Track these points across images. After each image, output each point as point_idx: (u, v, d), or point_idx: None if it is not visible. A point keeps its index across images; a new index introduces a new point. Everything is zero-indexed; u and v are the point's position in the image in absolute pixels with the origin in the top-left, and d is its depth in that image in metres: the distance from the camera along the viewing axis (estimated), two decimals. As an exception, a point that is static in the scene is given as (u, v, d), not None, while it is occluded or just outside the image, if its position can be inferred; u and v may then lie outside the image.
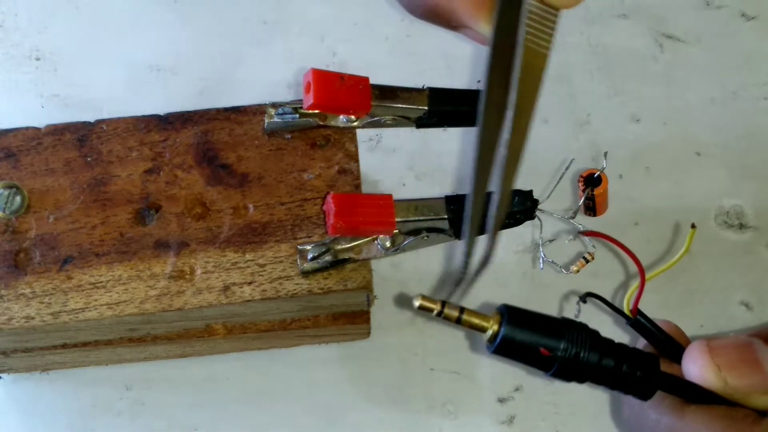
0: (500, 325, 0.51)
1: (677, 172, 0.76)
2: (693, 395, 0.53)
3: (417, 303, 0.50)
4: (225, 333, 0.65)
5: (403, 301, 0.73)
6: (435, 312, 0.50)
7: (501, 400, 0.71)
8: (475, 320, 0.51)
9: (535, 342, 0.51)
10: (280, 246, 0.61)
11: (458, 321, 0.51)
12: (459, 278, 0.52)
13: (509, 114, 0.51)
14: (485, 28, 0.52)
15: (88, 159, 0.63)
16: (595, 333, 0.52)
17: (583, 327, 0.52)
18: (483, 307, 0.73)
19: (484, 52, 0.52)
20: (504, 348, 0.51)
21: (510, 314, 0.51)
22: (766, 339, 0.54)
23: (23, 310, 0.60)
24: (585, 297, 0.56)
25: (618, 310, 0.57)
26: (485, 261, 0.51)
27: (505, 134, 0.51)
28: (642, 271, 0.57)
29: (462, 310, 0.51)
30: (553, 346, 0.51)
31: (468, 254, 0.52)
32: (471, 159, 0.51)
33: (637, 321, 0.56)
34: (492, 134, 0.51)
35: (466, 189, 0.52)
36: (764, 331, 0.55)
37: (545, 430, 0.71)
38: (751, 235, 0.74)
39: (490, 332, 0.51)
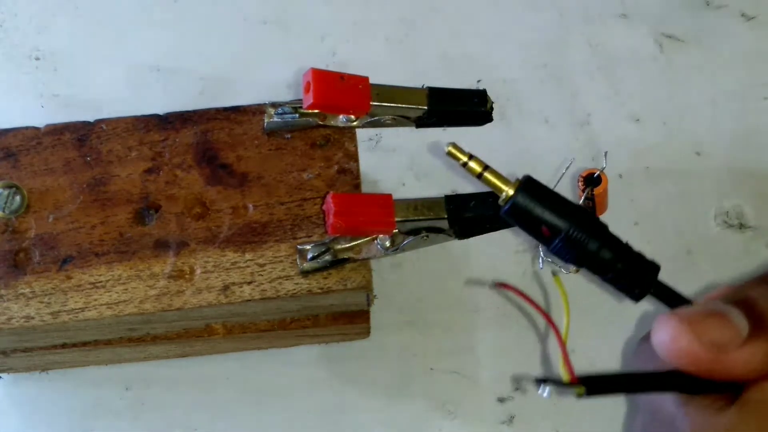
0: (516, 192, 0.52)
1: (677, 172, 0.76)
2: (680, 304, 0.53)
3: (447, 149, 0.52)
4: (225, 333, 0.65)
5: (403, 300, 0.73)
6: (461, 162, 0.53)
7: (501, 400, 0.71)
8: (495, 180, 0.53)
9: (542, 217, 0.52)
10: (280, 246, 0.61)
11: (479, 176, 0.53)
12: None
13: None
14: None
15: (88, 159, 0.63)
16: (604, 226, 0.53)
17: (592, 216, 0.53)
18: (481, 302, 0.73)
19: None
20: (513, 213, 0.53)
21: (527, 185, 0.52)
22: (728, 299, 0.54)
23: (23, 309, 0.60)
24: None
25: (563, 385, 0.54)
26: None
27: None
28: (558, 334, 0.54)
29: (486, 167, 0.53)
30: (557, 224, 0.52)
31: None
32: None
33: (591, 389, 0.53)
34: None
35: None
36: (723, 292, 0.55)
37: (545, 430, 0.71)
38: (751, 235, 0.74)
39: (504, 195, 0.53)
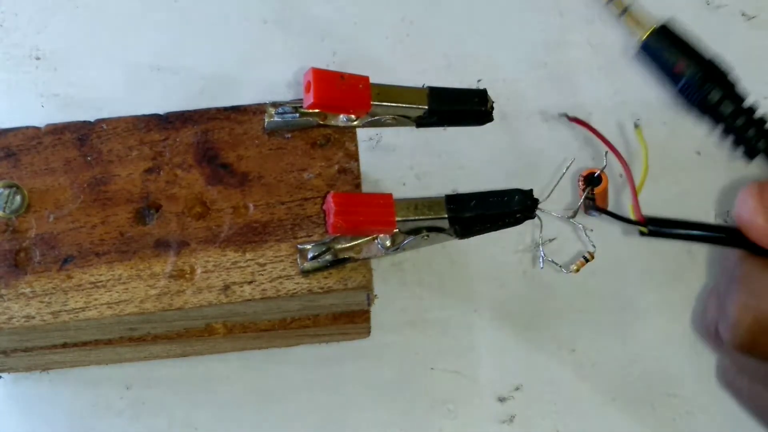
0: (651, 32, 0.59)
1: (677, 172, 0.76)
2: None
3: None
4: (225, 332, 0.65)
5: (403, 300, 0.73)
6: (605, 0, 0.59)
7: (501, 400, 0.71)
8: (634, 20, 0.60)
9: (672, 59, 0.58)
10: (281, 245, 0.61)
11: (622, 14, 0.60)
12: None
13: None
14: None
15: (88, 158, 0.63)
16: (732, 83, 0.55)
17: (721, 69, 0.58)
18: (481, 302, 0.73)
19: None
20: (647, 51, 0.59)
21: (663, 29, 0.59)
22: None
23: (23, 309, 0.60)
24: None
25: (627, 220, 0.57)
26: None
27: None
28: (629, 174, 0.58)
29: (628, 7, 0.60)
30: (685, 68, 0.58)
31: None
32: None
33: (653, 230, 0.56)
34: None
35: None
36: None
37: (545, 430, 0.71)
38: (751, 235, 0.74)
39: (641, 35, 0.60)
